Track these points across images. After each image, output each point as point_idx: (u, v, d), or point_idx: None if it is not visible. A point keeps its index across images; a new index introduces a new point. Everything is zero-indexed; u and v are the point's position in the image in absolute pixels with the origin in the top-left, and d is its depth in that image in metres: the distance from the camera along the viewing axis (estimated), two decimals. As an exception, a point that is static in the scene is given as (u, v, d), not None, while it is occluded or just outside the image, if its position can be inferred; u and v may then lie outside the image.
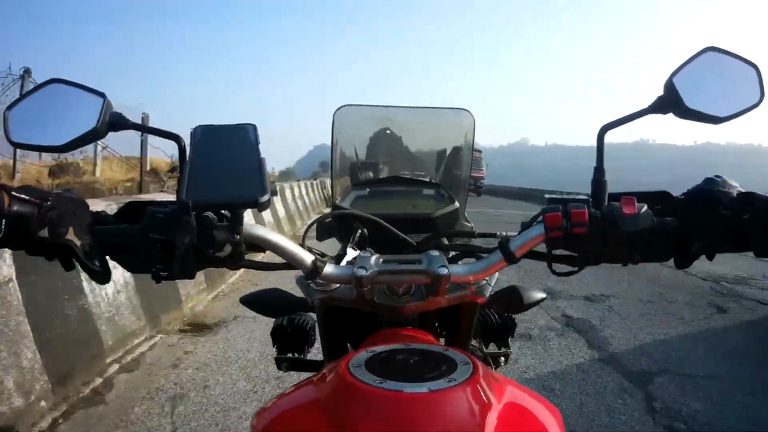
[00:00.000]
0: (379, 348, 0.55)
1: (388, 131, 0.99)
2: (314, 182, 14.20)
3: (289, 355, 0.97)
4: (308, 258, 0.57)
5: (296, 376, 2.25)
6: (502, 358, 0.98)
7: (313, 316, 0.87)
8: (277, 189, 6.23)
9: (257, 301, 0.86)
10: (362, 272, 0.56)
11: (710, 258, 0.57)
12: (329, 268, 0.58)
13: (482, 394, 0.46)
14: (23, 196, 0.50)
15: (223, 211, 0.54)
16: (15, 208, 0.49)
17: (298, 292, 0.76)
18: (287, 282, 0.84)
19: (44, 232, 0.51)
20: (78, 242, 0.52)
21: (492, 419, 0.44)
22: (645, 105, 0.61)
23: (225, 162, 0.53)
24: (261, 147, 0.54)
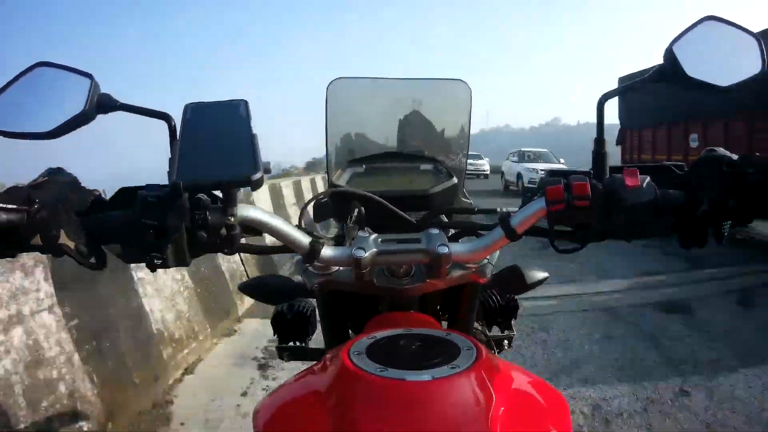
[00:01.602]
0: (380, 334, 0.53)
1: (384, 104, 0.97)
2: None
3: (291, 344, 0.96)
4: (305, 240, 0.56)
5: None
6: (506, 342, 0.97)
7: (313, 301, 0.86)
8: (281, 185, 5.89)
9: (256, 287, 0.85)
10: (361, 253, 0.55)
11: (718, 237, 0.55)
12: (327, 251, 0.57)
13: (486, 381, 0.45)
14: (10, 206, 0.48)
15: (217, 193, 0.53)
16: (3, 218, 0.47)
17: (298, 278, 0.75)
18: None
19: (36, 240, 0.49)
20: (71, 243, 0.50)
21: (496, 407, 0.43)
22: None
23: (216, 140, 0.51)
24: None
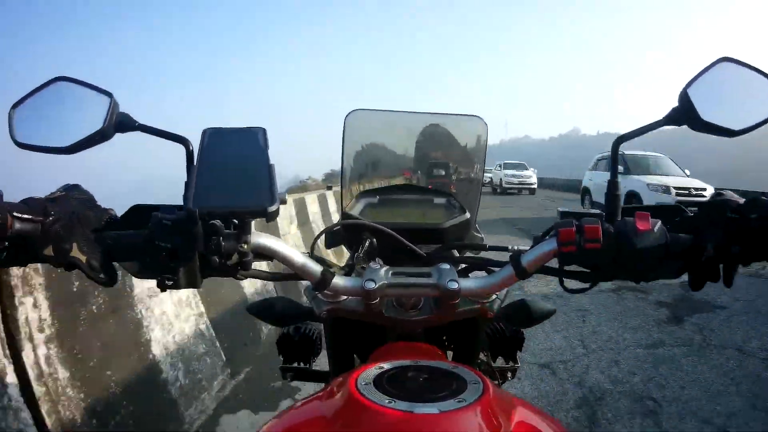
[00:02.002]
0: (387, 364, 0.54)
1: (400, 137, 0.98)
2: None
3: (295, 364, 0.97)
4: (317, 269, 0.57)
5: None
6: (510, 373, 0.98)
7: (320, 325, 0.87)
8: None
9: (264, 309, 0.86)
10: (371, 285, 0.56)
11: (727, 281, 0.56)
12: (338, 280, 0.58)
13: (492, 414, 0.46)
14: (26, 216, 0.49)
15: (233, 220, 0.54)
16: (18, 227, 0.48)
17: (305, 301, 0.76)
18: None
19: (49, 251, 0.50)
20: (83, 257, 0.51)
21: None
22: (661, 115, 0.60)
23: (232, 167, 0.52)
24: (272, 151, 0.52)
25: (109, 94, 0.58)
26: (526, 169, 20.06)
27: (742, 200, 0.56)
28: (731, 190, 0.62)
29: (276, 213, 0.48)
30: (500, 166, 20.64)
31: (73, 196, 0.55)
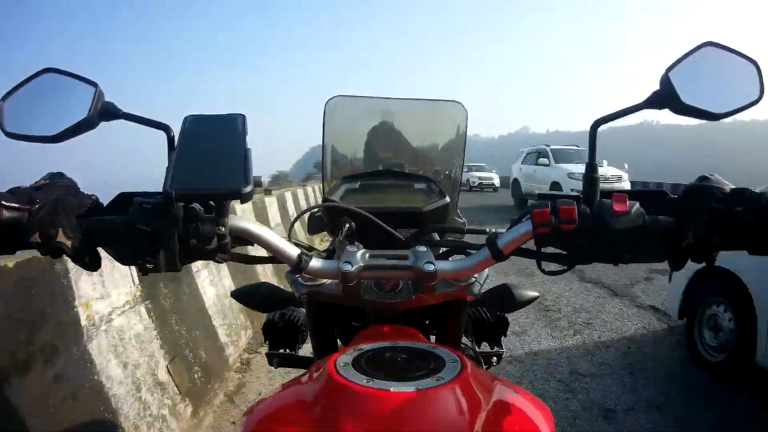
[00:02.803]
0: (367, 346, 0.55)
1: (380, 123, 0.98)
2: (301, 190, 8.96)
3: (281, 350, 0.98)
4: (294, 252, 0.57)
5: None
6: (494, 358, 0.98)
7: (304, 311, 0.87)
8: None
9: (248, 295, 0.87)
10: (348, 267, 0.56)
11: (709, 261, 0.55)
12: (315, 263, 0.58)
13: (471, 392, 0.46)
14: (13, 204, 0.51)
15: (210, 203, 0.54)
16: (6, 215, 0.50)
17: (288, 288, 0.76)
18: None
19: (36, 237, 0.52)
20: (68, 242, 0.53)
21: (481, 418, 0.44)
22: (641, 99, 0.60)
23: (211, 152, 0.53)
24: (250, 138, 0.53)
25: (94, 84, 0.60)
26: (488, 170, 22.97)
27: (727, 188, 0.56)
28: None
29: (250, 195, 0.48)
30: (467, 168, 22.96)
31: (57, 184, 0.57)
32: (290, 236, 0.61)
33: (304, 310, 0.94)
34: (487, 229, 0.63)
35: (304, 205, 6.34)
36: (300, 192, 7.53)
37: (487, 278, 0.70)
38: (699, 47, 0.61)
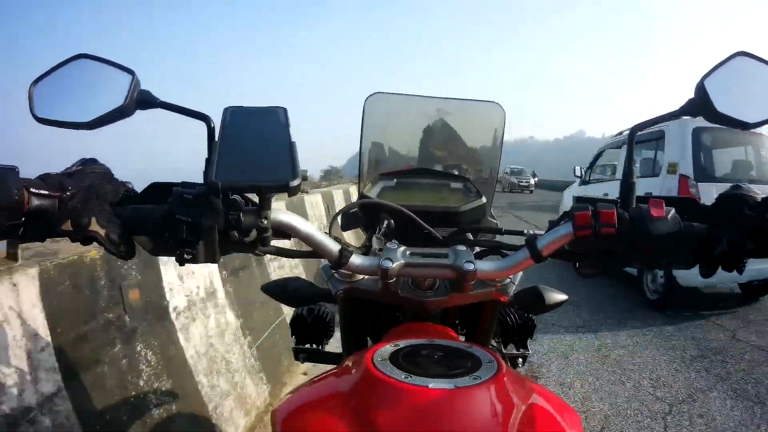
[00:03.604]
0: (403, 342, 0.54)
1: (418, 121, 0.98)
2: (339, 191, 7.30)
3: (308, 346, 0.97)
4: (335, 247, 0.57)
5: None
6: (520, 360, 0.98)
7: (333, 307, 0.87)
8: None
9: (279, 289, 0.86)
10: (389, 264, 0.56)
11: (739, 269, 0.57)
12: (356, 259, 0.58)
13: (506, 393, 0.46)
14: (43, 191, 0.50)
15: (250, 195, 0.54)
16: (36, 203, 0.49)
17: (319, 282, 0.76)
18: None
19: (67, 225, 0.51)
20: (101, 231, 0.52)
21: (515, 419, 0.44)
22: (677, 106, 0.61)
23: (254, 144, 0.52)
24: (298, 130, 0.53)
25: (131, 72, 0.59)
26: (527, 173, 25.87)
27: (759, 196, 0.57)
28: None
29: (298, 188, 0.48)
30: (507, 173, 26.02)
31: (90, 170, 0.56)
32: (331, 231, 0.61)
33: (331, 305, 0.94)
34: (525, 231, 0.63)
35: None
36: (338, 193, 6.05)
37: (521, 280, 0.70)
38: (731, 57, 0.62)
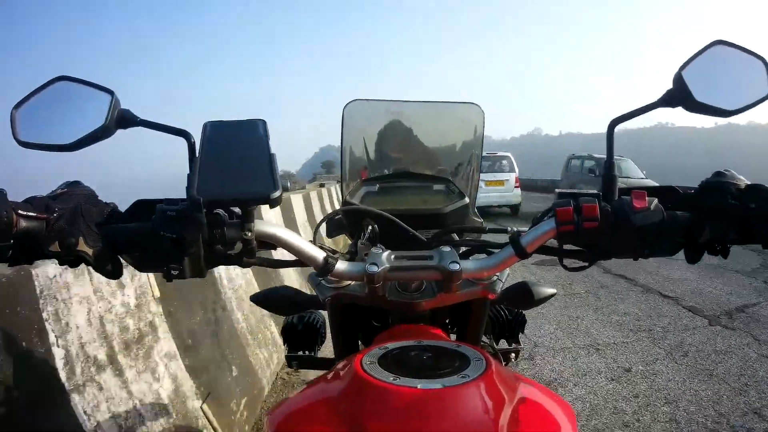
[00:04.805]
0: (392, 344, 0.55)
1: (398, 126, 0.99)
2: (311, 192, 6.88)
3: (300, 353, 0.98)
4: (319, 255, 0.57)
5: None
6: (513, 354, 0.99)
7: (323, 314, 0.87)
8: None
9: (268, 299, 0.86)
10: (374, 269, 0.56)
11: (724, 254, 0.57)
12: (341, 265, 0.58)
13: (496, 390, 0.46)
14: (31, 213, 0.50)
15: (233, 208, 0.54)
16: (24, 225, 0.49)
17: (307, 290, 0.76)
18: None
19: (55, 246, 0.51)
20: (89, 250, 0.52)
21: (506, 415, 0.44)
22: (655, 98, 0.61)
23: (235, 158, 0.53)
24: (271, 143, 0.54)
25: (110, 92, 0.59)
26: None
27: (743, 184, 0.57)
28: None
29: (279, 199, 0.48)
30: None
31: (75, 192, 0.56)
32: (315, 239, 0.61)
33: (322, 312, 0.94)
34: (508, 228, 0.64)
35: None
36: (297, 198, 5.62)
37: (508, 276, 0.71)
38: (709, 46, 0.62)
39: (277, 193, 0.48)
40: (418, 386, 0.44)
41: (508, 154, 11.70)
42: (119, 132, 0.59)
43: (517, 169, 11.28)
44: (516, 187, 10.93)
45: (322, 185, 7.58)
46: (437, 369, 0.48)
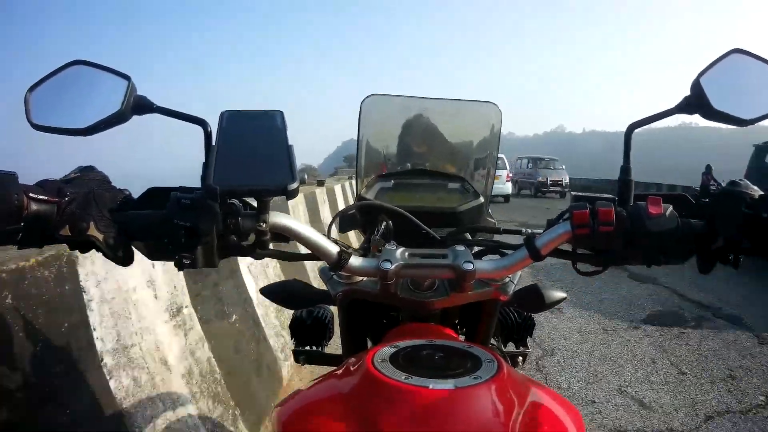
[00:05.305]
0: (403, 343, 0.55)
1: (415, 122, 0.98)
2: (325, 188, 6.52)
3: (307, 348, 0.97)
4: (334, 249, 0.57)
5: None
6: (520, 358, 0.98)
7: (332, 309, 0.87)
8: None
9: (278, 292, 0.86)
10: (388, 265, 0.56)
11: (735, 264, 0.57)
12: (354, 261, 0.58)
13: (507, 392, 0.46)
14: (42, 196, 0.49)
15: (248, 199, 0.54)
16: (34, 208, 0.49)
17: (317, 285, 0.76)
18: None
19: (66, 231, 0.51)
20: (100, 236, 0.52)
21: (516, 418, 0.44)
22: (673, 103, 0.61)
23: (252, 148, 0.52)
24: (292, 134, 0.53)
25: (127, 77, 0.59)
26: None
27: (756, 194, 0.57)
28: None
29: (296, 191, 0.48)
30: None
31: (88, 177, 0.56)
32: (329, 234, 0.61)
33: (331, 307, 0.94)
34: (523, 230, 0.63)
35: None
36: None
37: (520, 278, 0.70)
38: (727, 54, 0.62)
39: (294, 185, 0.48)
40: (430, 386, 0.44)
41: (502, 156, 14.58)
42: (134, 119, 0.59)
43: (508, 167, 15.69)
44: (507, 181, 15.15)
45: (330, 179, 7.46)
46: (449, 369, 0.48)
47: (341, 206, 5.61)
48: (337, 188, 6.50)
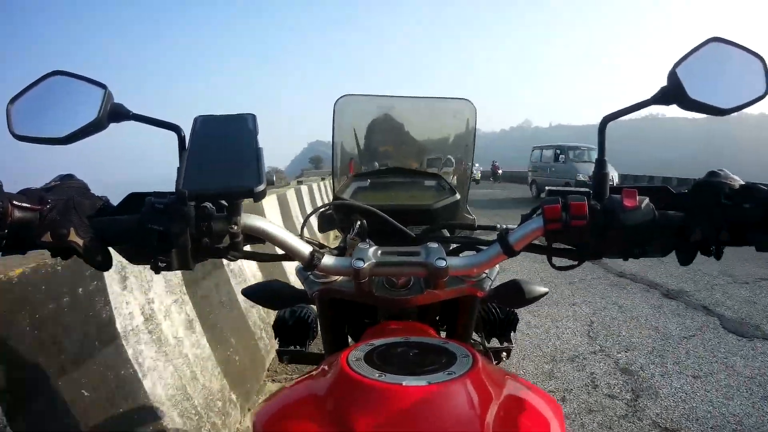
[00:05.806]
0: (378, 341, 0.55)
1: (389, 121, 0.99)
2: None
3: (291, 347, 0.98)
4: (306, 249, 0.58)
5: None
6: (504, 353, 0.98)
7: (315, 308, 0.87)
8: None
9: (259, 293, 0.87)
10: (360, 264, 0.56)
11: (717, 255, 0.56)
12: (327, 260, 0.58)
13: (482, 387, 0.46)
14: (25, 204, 0.51)
15: (222, 201, 0.55)
16: (18, 215, 0.50)
17: (299, 285, 0.77)
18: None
19: (47, 237, 0.52)
20: (80, 241, 0.53)
21: (492, 412, 0.44)
22: (648, 94, 0.60)
23: (223, 152, 0.53)
24: (260, 137, 0.54)
25: (103, 86, 0.60)
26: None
27: (736, 184, 0.56)
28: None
29: (263, 193, 0.49)
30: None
31: (68, 185, 0.57)
32: (302, 234, 0.61)
33: (314, 307, 0.95)
34: (498, 225, 0.63)
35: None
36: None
37: (498, 274, 0.70)
38: (705, 43, 0.61)
39: (261, 187, 0.48)
40: (403, 383, 0.44)
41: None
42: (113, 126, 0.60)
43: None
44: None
45: (299, 182, 7.70)
46: (423, 366, 0.48)
47: (309, 207, 5.70)
48: (304, 188, 6.78)
